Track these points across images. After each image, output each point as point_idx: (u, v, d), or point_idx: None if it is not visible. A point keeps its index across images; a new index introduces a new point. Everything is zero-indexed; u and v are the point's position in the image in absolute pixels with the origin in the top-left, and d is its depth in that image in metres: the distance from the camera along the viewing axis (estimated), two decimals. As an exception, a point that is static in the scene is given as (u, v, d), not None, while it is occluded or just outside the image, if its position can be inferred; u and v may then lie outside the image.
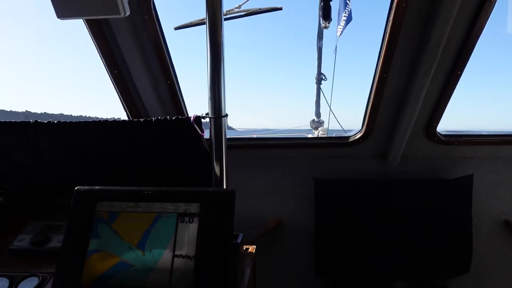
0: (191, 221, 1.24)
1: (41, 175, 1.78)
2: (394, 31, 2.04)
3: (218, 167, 1.60)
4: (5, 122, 1.56)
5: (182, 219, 1.25)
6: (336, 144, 2.81)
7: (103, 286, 1.17)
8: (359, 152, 2.81)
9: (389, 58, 2.18)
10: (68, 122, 1.58)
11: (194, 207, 1.26)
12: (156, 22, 2.03)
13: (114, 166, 1.76)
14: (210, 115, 1.53)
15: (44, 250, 1.46)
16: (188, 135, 1.61)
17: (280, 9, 2.03)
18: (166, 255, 1.20)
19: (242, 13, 2.03)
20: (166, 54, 2.18)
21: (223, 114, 1.52)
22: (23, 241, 1.49)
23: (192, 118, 1.58)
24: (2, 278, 1.31)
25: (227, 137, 1.58)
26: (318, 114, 9.30)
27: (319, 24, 6.88)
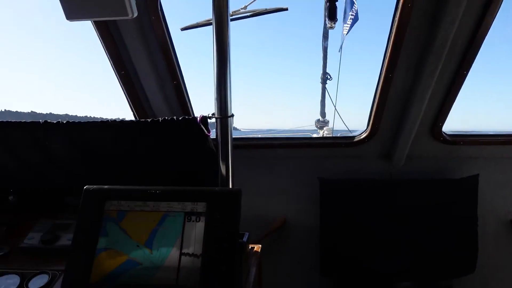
0: (198, 220, 1.26)
1: (51, 175, 1.80)
2: (400, 31, 2.04)
3: (224, 167, 1.61)
4: (15, 122, 1.59)
5: (189, 218, 1.27)
6: (341, 144, 2.81)
7: (112, 283, 1.19)
8: (364, 152, 2.81)
9: (395, 58, 2.17)
10: (77, 122, 1.60)
11: (200, 206, 1.28)
12: (163, 23, 2.04)
13: (122, 166, 1.78)
14: (216, 115, 1.54)
15: (53, 248, 1.49)
16: (194, 135, 1.62)
17: (286, 9, 2.04)
18: (173, 253, 1.22)
19: (248, 14, 2.05)
20: (172, 54, 2.20)
21: (229, 114, 1.54)
22: (33, 239, 1.52)
23: (198, 118, 1.60)
24: (14, 275, 1.34)
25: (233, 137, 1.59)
26: (323, 113, 9.28)
27: (325, 24, 6.88)
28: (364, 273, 2.91)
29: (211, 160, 1.64)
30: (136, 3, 1.33)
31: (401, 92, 2.39)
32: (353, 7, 5.16)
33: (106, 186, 1.34)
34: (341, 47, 5.98)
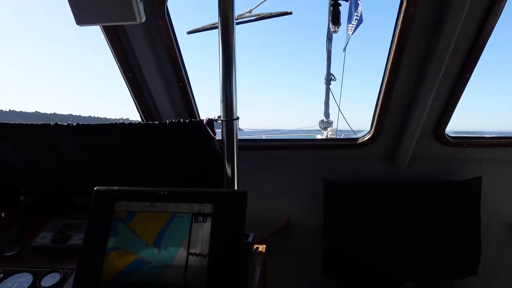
0: (204, 220, 1.30)
1: (60, 175, 1.85)
2: (403, 34, 2.06)
3: (230, 168, 1.65)
4: (26, 124, 1.64)
5: (196, 218, 1.30)
6: (345, 145, 2.83)
7: (122, 282, 1.23)
8: (367, 153, 2.83)
9: (398, 61, 2.20)
10: (86, 124, 1.65)
11: (207, 207, 1.31)
12: (169, 27, 2.08)
13: (129, 167, 1.82)
14: (222, 118, 1.58)
15: (64, 247, 1.53)
16: (200, 137, 1.66)
17: (290, 13, 2.07)
18: (181, 253, 1.25)
19: (253, 18, 2.08)
20: (178, 57, 2.24)
21: (234, 117, 1.57)
22: (44, 238, 1.56)
23: (205, 121, 1.63)
24: (26, 273, 1.38)
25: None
26: (327, 114, 9.30)
27: (328, 28, 6.92)
28: (367, 274, 2.93)
29: (217, 161, 1.68)
30: (143, 8, 1.37)
31: (404, 95, 2.41)
32: (358, 8, 5.19)
33: (115, 187, 1.37)
34: (345, 48, 6.01)
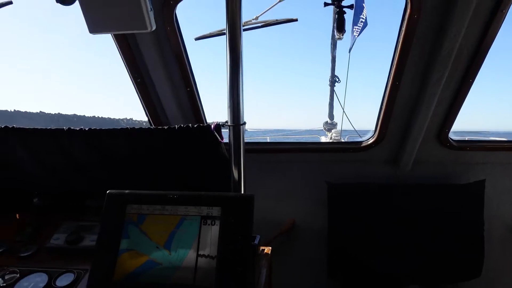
0: (213, 223, 1.34)
1: (72, 178, 1.90)
2: (406, 40, 2.10)
3: (237, 172, 1.68)
4: (41, 129, 1.69)
5: (205, 221, 1.35)
6: (349, 149, 2.87)
7: (134, 282, 1.28)
8: (371, 156, 2.87)
9: (402, 66, 2.23)
10: (98, 129, 1.70)
11: (216, 211, 1.36)
12: (177, 33, 2.13)
13: (139, 171, 1.87)
14: (229, 123, 1.61)
15: (77, 248, 1.58)
16: (208, 141, 1.70)
17: (296, 20, 2.11)
18: (191, 254, 1.30)
19: (259, 25, 2.12)
20: (186, 62, 2.29)
21: (241, 122, 1.61)
22: (58, 239, 1.61)
23: (212, 126, 1.68)
24: (42, 273, 1.43)
25: None
26: (331, 116, 9.32)
27: (333, 35, 6.98)
28: (371, 276, 2.96)
29: (224, 165, 1.72)
30: (153, 16, 1.42)
31: (408, 99, 2.45)
32: (363, 12, 5.24)
33: (127, 191, 1.41)
34: (350, 49, 6.06)
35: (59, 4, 1.47)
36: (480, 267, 2.83)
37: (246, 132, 1.68)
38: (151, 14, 1.40)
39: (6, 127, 1.68)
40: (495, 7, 1.93)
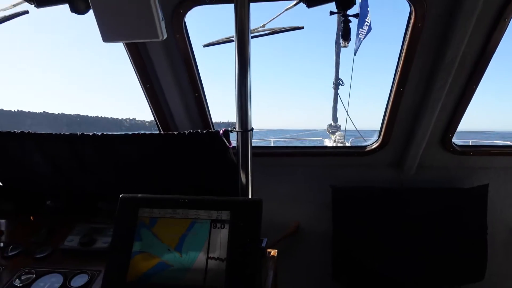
0: (222, 227, 1.38)
1: (85, 182, 1.96)
2: (411, 48, 2.14)
3: (244, 176, 1.72)
4: (55, 134, 1.75)
5: (214, 225, 1.39)
6: (353, 153, 2.91)
7: (146, 283, 1.33)
8: (375, 161, 2.90)
9: (406, 73, 2.27)
10: (110, 134, 1.75)
11: (225, 214, 1.40)
12: (186, 40, 2.19)
13: (149, 175, 1.92)
14: (237, 129, 1.65)
15: (91, 250, 1.63)
16: (217, 147, 1.75)
17: (302, 28, 2.16)
18: (201, 257, 1.34)
19: (267, 32, 2.17)
20: (194, 69, 2.34)
21: (249, 128, 1.65)
22: (72, 241, 1.66)
23: (221, 132, 1.72)
24: (57, 274, 1.48)
25: None
26: (335, 118, 9.35)
27: (337, 43, 7.04)
28: (375, 279, 2.99)
29: (232, 170, 1.76)
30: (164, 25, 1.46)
31: (411, 105, 2.49)
32: (367, 16, 5.33)
33: (139, 195, 1.46)
34: (356, 51, 6.13)
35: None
36: (483, 271, 2.85)
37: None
38: (163, 23, 1.45)
39: (22, 132, 1.74)
40: (498, 16, 1.97)
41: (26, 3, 1.69)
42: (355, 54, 6.26)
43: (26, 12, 1.77)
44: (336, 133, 8.92)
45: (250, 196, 1.74)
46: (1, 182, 2.09)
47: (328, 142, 9.52)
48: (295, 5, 1.94)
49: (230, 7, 1.53)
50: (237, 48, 1.50)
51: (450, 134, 2.67)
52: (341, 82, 7.57)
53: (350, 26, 1.83)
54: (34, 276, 1.48)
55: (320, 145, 9.52)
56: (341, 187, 2.89)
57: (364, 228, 2.88)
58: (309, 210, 3.08)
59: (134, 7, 1.39)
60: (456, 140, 2.80)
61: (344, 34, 1.81)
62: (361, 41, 5.87)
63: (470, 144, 3.10)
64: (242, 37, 1.48)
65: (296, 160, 3.01)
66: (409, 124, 2.62)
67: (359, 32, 5.78)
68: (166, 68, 2.32)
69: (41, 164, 1.85)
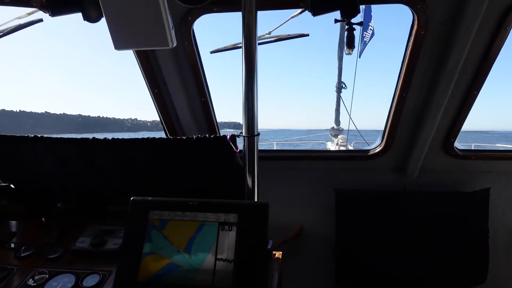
0: (230, 229, 1.43)
1: (95, 185, 2.01)
2: (414, 55, 2.18)
3: (250, 180, 1.77)
4: (67, 138, 1.80)
5: (222, 227, 1.43)
6: (357, 157, 2.95)
7: (157, 283, 1.37)
8: (378, 165, 2.94)
9: (409, 79, 2.31)
10: (120, 139, 1.80)
11: (232, 217, 1.44)
12: (194, 47, 2.24)
13: (158, 178, 1.96)
14: (244, 134, 1.69)
15: (101, 251, 1.68)
16: (224, 151, 1.79)
17: (307, 35, 2.21)
18: (209, 258, 1.38)
19: (272, 39, 2.21)
20: (201, 74, 2.39)
21: (255, 133, 1.69)
22: (83, 242, 1.71)
23: (228, 137, 1.77)
24: (69, 274, 1.53)
25: None
26: (337, 121, 9.41)
27: (339, 48, 7.11)
28: (378, 282, 3.02)
29: (238, 174, 1.80)
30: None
31: (414, 110, 2.53)
32: (371, 20, 5.44)
33: (149, 198, 1.50)
34: (360, 54, 6.20)
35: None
36: (485, 274, 2.88)
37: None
38: (173, 31, 1.50)
39: (35, 136, 1.79)
40: (499, 24, 2.01)
41: (41, 12, 1.74)
42: (359, 57, 6.33)
43: (41, 20, 1.83)
44: (339, 136, 8.98)
45: (256, 199, 1.78)
46: (13, 185, 2.14)
47: (331, 145, 9.57)
48: (300, 13, 1.99)
49: (236, 15, 1.57)
50: (245, 54, 1.53)
51: (452, 139, 2.71)
52: (344, 86, 7.63)
53: (355, 28, 1.89)
54: (47, 276, 1.53)
55: (323, 148, 9.56)
56: (344, 190, 2.92)
57: (367, 231, 2.92)
58: (313, 213, 3.12)
59: (145, 16, 1.44)
60: (458, 144, 2.84)
61: (348, 41, 1.86)
62: (366, 44, 5.97)
63: (473, 148, 3.13)
64: (250, 44, 1.52)
65: (300, 164, 3.06)
66: (412, 128, 2.65)
67: (364, 35, 5.88)
68: (174, 74, 2.37)
69: (53, 168, 1.90)
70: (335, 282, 3.00)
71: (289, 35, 2.19)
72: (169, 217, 1.47)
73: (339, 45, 7.56)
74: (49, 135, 1.80)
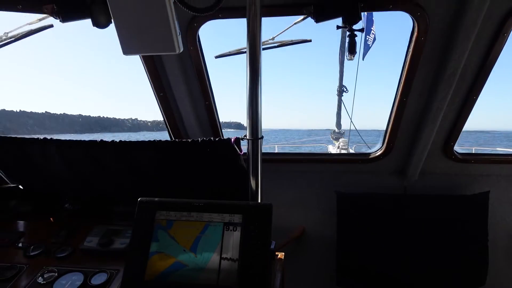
0: (235, 229, 1.47)
1: (102, 186, 2.05)
2: (414, 61, 2.23)
3: (254, 182, 1.81)
4: (76, 141, 1.85)
5: (227, 227, 1.47)
6: (358, 160, 2.99)
7: (163, 282, 1.41)
8: (379, 168, 2.98)
9: (409, 84, 2.36)
10: (127, 141, 1.84)
11: (237, 218, 1.48)
12: (199, 52, 2.29)
13: (163, 180, 2.00)
14: (248, 137, 1.73)
15: (109, 250, 1.71)
16: (228, 153, 1.83)
17: (310, 41, 2.26)
18: (214, 257, 1.42)
19: (276, 44, 2.26)
20: (206, 78, 2.44)
21: (259, 137, 1.73)
22: (91, 242, 1.75)
23: (232, 140, 1.81)
24: (78, 272, 1.57)
25: None
26: (339, 125, 9.46)
27: (341, 51, 7.18)
28: (378, 284, 3.05)
29: (242, 176, 1.85)
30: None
31: (414, 115, 2.57)
32: (372, 29, 5.56)
33: (156, 199, 1.54)
34: (364, 57, 6.28)
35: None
36: (484, 276, 2.91)
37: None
38: (179, 37, 1.54)
39: (45, 138, 1.84)
40: (497, 31, 2.05)
41: (51, 18, 1.80)
42: (363, 59, 6.43)
43: (51, 26, 1.88)
44: (340, 140, 9.03)
45: (259, 201, 1.82)
46: (22, 186, 2.19)
47: (332, 149, 9.62)
48: (303, 19, 2.03)
49: (240, 21, 1.60)
50: (249, 60, 1.56)
51: (452, 143, 2.75)
52: (345, 89, 7.68)
53: (357, 34, 1.94)
54: (56, 274, 1.56)
55: (325, 152, 9.60)
56: (345, 193, 2.96)
57: (367, 233, 2.95)
58: (314, 215, 3.16)
59: (153, 22, 1.48)
60: (458, 148, 2.88)
61: (350, 48, 1.91)
62: (369, 47, 6.07)
63: (473, 152, 3.17)
64: (254, 49, 1.55)
65: (302, 166, 3.10)
66: (412, 132, 2.70)
67: (367, 39, 6.00)
68: (179, 78, 2.42)
69: (61, 169, 1.95)
70: (336, 283, 3.04)
71: (292, 40, 2.24)
72: (175, 218, 1.51)
73: (340, 49, 7.62)
74: (58, 138, 1.85)
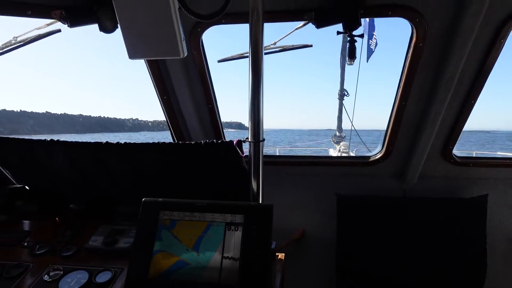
0: (236, 229, 1.50)
1: (107, 187, 2.09)
2: (412, 66, 2.27)
3: (255, 183, 1.84)
4: (82, 142, 1.89)
5: (229, 227, 1.51)
6: (358, 163, 3.02)
7: (166, 280, 1.44)
8: (379, 171, 3.02)
9: (408, 88, 2.40)
10: (132, 143, 1.89)
11: (239, 218, 1.52)
12: (202, 56, 2.34)
13: (167, 181, 2.05)
14: (250, 140, 1.77)
15: (113, 249, 1.75)
16: (230, 156, 1.87)
17: (311, 46, 2.31)
18: (216, 256, 1.46)
19: (277, 49, 2.31)
20: (209, 82, 2.49)
21: (260, 139, 1.77)
22: (96, 241, 1.79)
23: (234, 142, 1.85)
24: (83, 271, 1.61)
25: None
26: (340, 129, 9.49)
27: (343, 60, 7.25)
28: (377, 286, 3.07)
29: (244, 177, 1.89)
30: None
31: (413, 118, 2.61)
32: (374, 34, 5.65)
33: (160, 199, 1.58)
34: (367, 59, 6.36)
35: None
36: (482, 279, 2.93)
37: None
38: (184, 42, 1.59)
39: (52, 140, 1.88)
40: (495, 37, 2.09)
41: (59, 23, 1.85)
42: (367, 61, 6.53)
43: (59, 31, 1.93)
44: (341, 143, 9.07)
45: (263, 202, 1.85)
46: (27, 186, 2.24)
47: (333, 152, 9.66)
48: (304, 25, 2.08)
49: (242, 26, 1.64)
50: (251, 64, 1.60)
51: (451, 146, 2.78)
52: (346, 94, 7.72)
53: (359, 39, 1.98)
54: (62, 272, 1.60)
55: (326, 154, 9.65)
56: (345, 195, 2.99)
57: (367, 235, 2.98)
58: (315, 217, 3.19)
59: (158, 28, 1.53)
60: (456, 152, 2.91)
61: (350, 53, 1.95)
62: (373, 51, 6.17)
63: (474, 155, 3.20)
64: (256, 54, 1.59)
65: (302, 169, 3.13)
66: (411, 136, 2.73)
67: (370, 43, 6.09)
68: (183, 82, 2.46)
69: (67, 170, 1.99)
70: (336, 285, 3.06)
71: (293, 45, 2.28)
72: (178, 217, 1.55)
73: (341, 54, 7.68)
74: (58, 138, 1.89)
